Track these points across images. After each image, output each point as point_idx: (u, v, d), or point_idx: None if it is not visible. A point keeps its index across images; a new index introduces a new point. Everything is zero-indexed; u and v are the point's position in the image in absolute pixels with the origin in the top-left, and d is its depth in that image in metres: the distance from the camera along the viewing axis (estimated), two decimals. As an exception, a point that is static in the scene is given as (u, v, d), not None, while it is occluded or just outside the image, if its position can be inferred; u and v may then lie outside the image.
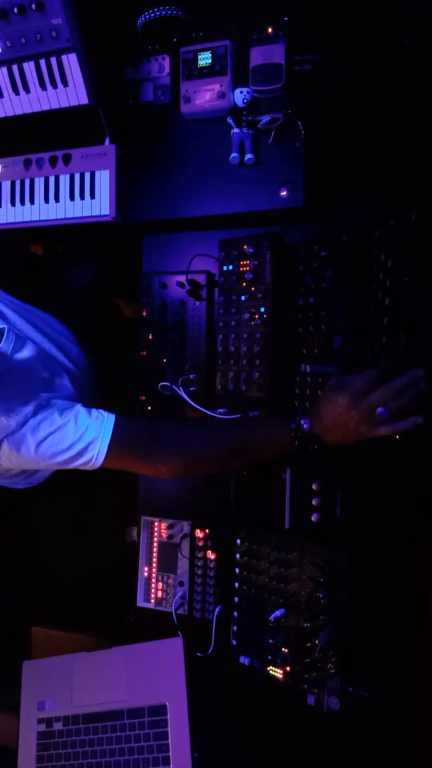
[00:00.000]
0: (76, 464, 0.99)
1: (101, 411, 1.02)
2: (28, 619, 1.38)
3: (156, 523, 1.27)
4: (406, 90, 1.13)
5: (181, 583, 1.24)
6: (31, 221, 1.32)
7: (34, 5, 1.10)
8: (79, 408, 1.02)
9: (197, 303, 1.22)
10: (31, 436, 0.96)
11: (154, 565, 1.27)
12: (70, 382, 1.16)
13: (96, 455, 0.98)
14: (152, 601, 1.27)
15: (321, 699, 1.01)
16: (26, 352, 1.07)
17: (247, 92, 1.13)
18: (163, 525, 1.26)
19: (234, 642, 1.13)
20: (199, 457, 1.03)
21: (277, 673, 1.07)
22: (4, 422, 0.95)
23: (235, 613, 1.13)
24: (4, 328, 1.04)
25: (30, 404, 0.98)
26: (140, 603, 1.28)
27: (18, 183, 1.33)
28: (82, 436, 0.98)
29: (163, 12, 1.17)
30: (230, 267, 1.16)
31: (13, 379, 1.01)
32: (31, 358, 1.07)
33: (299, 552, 1.05)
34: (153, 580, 1.27)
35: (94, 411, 1.02)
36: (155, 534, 1.27)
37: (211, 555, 1.19)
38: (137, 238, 1.32)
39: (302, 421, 0.93)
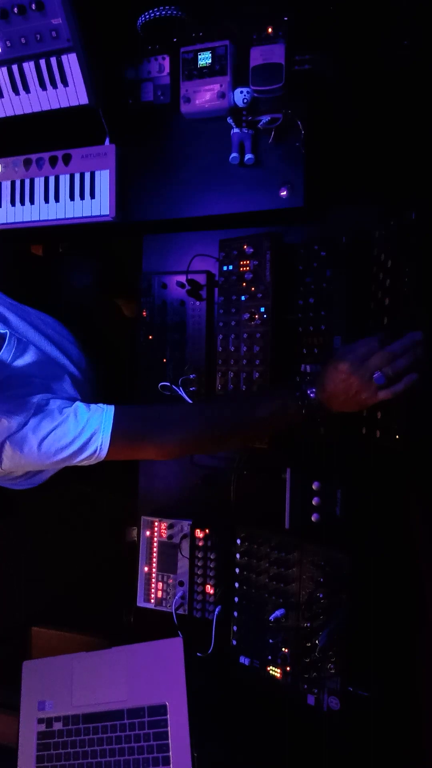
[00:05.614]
0: (81, 458, 0.99)
1: (100, 404, 1.03)
2: (28, 619, 1.38)
3: (156, 523, 1.27)
4: (406, 90, 1.13)
5: (181, 583, 1.24)
6: (31, 221, 1.32)
7: (34, 5, 1.10)
8: (78, 403, 1.03)
9: (197, 303, 1.22)
10: (32, 435, 0.97)
11: (154, 565, 1.27)
12: (72, 384, 1.16)
13: (99, 446, 0.98)
14: (152, 601, 1.27)
15: (321, 699, 1.01)
16: (27, 358, 1.07)
17: (247, 92, 1.13)
18: (163, 525, 1.26)
19: (234, 642, 1.13)
20: (205, 433, 1.03)
21: (277, 673, 1.07)
22: (5, 423, 0.95)
23: (235, 613, 1.13)
24: (5, 333, 1.04)
25: (30, 405, 0.99)
26: (140, 603, 1.28)
27: (18, 183, 1.33)
28: (84, 429, 0.98)
29: (163, 12, 1.17)
30: (230, 267, 1.16)
31: (13, 384, 1.02)
32: (32, 364, 1.07)
33: (299, 552, 1.05)
34: (153, 580, 1.27)
35: (93, 405, 1.03)
36: (155, 534, 1.27)
37: (211, 555, 1.19)
38: (137, 238, 1.32)
39: (308, 390, 0.93)
